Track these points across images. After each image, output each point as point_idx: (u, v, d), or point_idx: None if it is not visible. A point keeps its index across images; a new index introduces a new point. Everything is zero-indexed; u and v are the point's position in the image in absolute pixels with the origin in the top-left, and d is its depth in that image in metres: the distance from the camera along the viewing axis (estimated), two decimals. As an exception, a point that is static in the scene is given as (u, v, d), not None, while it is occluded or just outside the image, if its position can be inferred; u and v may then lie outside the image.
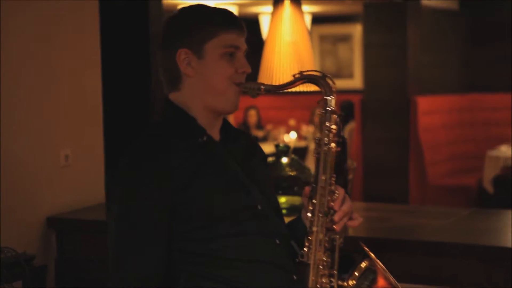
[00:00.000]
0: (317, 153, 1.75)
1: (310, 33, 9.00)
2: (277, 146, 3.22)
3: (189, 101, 1.78)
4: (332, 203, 1.72)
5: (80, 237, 3.09)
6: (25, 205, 2.98)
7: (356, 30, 9.15)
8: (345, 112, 7.32)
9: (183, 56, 1.75)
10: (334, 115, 1.74)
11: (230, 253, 1.70)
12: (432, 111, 7.29)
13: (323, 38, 9.41)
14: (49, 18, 3.08)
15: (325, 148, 1.74)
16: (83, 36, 3.27)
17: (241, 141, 1.88)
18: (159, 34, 1.82)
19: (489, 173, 6.95)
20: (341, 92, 3.50)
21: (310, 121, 8.39)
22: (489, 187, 6.91)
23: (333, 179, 1.75)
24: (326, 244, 1.71)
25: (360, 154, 7.28)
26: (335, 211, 1.71)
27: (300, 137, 8.02)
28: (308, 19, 8.28)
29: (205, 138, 1.77)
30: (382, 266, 1.75)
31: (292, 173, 3.21)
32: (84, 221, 3.11)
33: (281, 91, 1.81)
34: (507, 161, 6.90)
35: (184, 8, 1.82)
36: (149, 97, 3.99)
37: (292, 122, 8.43)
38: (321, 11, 8.58)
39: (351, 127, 7.63)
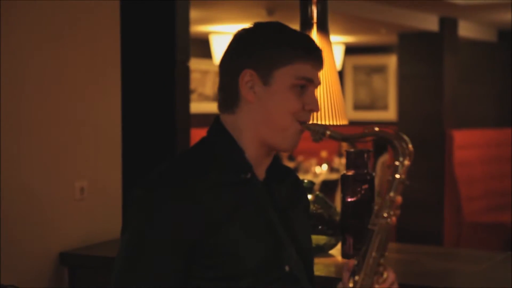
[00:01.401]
0: (373, 224, 1.51)
1: (343, 63, 8.91)
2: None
3: (242, 128, 1.56)
4: (377, 286, 1.50)
5: (94, 274, 2.96)
6: (37, 239, 2.86)
7: (391, 61, 9.00)
8: (379, 144, 7.16)
9: (247, 78, 1.54)
10: (403, 185, 1.51)
11: None
12: (468, 145, 7.09)
13: (357, 69, 9.28)
14: (61, 38, 2.98)
15: (384, 222, 1.50)
16: (102, 56, 3.15)
17: (288, 183, 1.66)
18: (228, 47, 1.60)
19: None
20: (376, 123, 3.36)
21: (339, 154, 8.23)
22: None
23: (383, 258, 1.51)
24: None
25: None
26: None
27: (331, 169, 7.87)
28: (341, 49, 8.17)
29: (249, 176, 1.54)
30: None
31: (317, 211, 3.05)
32: (98, 257, 2.97)
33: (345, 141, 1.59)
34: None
35: (260, 24, 1.61)
36: (174, 127, 3.89)
37: (323, 153, 8.27)
38: (355, 41, 8.46)
39: (384, 160, 7.45)
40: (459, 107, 7.18)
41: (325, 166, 7.75)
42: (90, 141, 3.09)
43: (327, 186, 6.94)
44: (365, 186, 2.86)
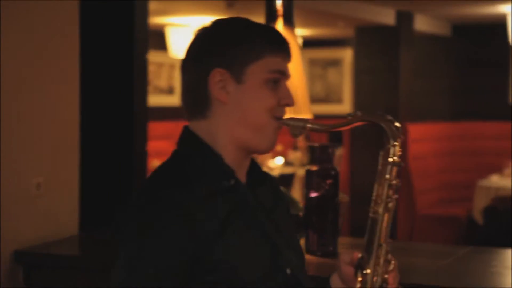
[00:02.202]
0: (374, 212, 1.44)
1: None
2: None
3: (217, 133, 1.47)
4: (385, 275, 1.44)
5: (50, 273, 2.87)
6: (-9, 237, 2.77)
7: (346, 55, 9.02)
8: (334, 138, 7.16)
9: (218, 77, 1.45)
10: (398, 167, 1.46)
11: None
12: (422, 139, 7.15)
13: (313, 62, 9.27)
14: (18, 32, 2.88)
15: (385, 208, 1.44)
16: (60, 50, 3.06)
17: (267, 185, 1.58)
18: (189, 48, 1.51)
19: (479, 203, 6.80)
20: (330, 117, 3.35)
21: (294, 147, 8.22)
22: (478, 218, 6.75)
23: (389, 245, 1.45)
24: None
25: (348, 182, 7.11)
26: (387, 284, 1.44)
27: (286, 163, 7.84)
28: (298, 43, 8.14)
29: (232, 182, 1.45)
30: None
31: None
32: (54, 255, 2.88)
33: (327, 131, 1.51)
34: (498, 191, 6.75)
35: (223, 20, 1.52)
36: (132, 120, 3.83)
37: (278, 147, 8.24)
38: (311, 34, 8.45)
39: (339, 154, 7.46)
40: (414, 100, 7.23)
41: (280, 160, 7.72)
42: (47, 136, 3.00)
43: (283, 180, 6.91)
44: (330, 181, 2.83)
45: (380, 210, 1.44)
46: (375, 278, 1.43)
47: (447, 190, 7.36)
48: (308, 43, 8.81)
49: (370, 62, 7.09)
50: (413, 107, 7.19)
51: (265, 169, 6.54)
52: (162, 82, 8.13)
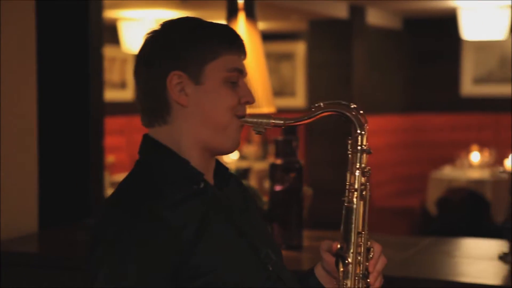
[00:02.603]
0: (349, 201, 1.45)
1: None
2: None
3: (180, 137, 1.44)
4: (366, 263, 1.44)
5: (9, 270, 2.80)
6: None
7: (299, 48, 9.04)
8: (288, 131, 7.17)
9: (175, 80, 1.41)
10: (366, 154, 1.46)
11: None
12: (376, 132, 7.21)
13: (266, 56, 9.24)
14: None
15: (359, 195, 1.45)
16: (16, 44, 3.00)
17: (233, 184, 1.55)
18: (141, 52, 1.47)
19: (433, 195, 6.90)
20: (284, 111, 3.33)
21: (248, 141, 8.20)
22: (432, 209, 6.85)
23: (367, 233, 1.45)
24: None
25: (304, 176, 7.13)
26: (369, 272, 1.44)
27: (241, 157, 7.82)
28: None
29: (202, 185, 1.42)
30: None
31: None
32: (13, 253, 2.81)
33: (294, 124, 1.48)
34: (451, 183, 6.86)
35: (174, 22, 1.47)
36: (88, 115, 3.77)
37: (233, 141, 8.22)
38: (264, 28, 8.44)
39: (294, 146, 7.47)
40: (367, 94, 7.28)
41: (234, 155, 7.71)
42: (5, 133, 2.93)
43: (238, 175, 6.89)
44: (294, 174, 2.83)
45: (355, 198, 1.45)
46: (357, 268, 1.43)
47: (401, 182, 7.45)
48: (261, 37, 8.80)
49: (324, 55, 7.11)
50: (367, 100, 7.24)
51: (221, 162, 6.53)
52: (115, 77, 8.02)
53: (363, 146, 1.46)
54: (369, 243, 1.46)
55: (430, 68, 8.17)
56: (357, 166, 1.46)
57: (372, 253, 1.46)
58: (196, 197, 1.41)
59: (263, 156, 7.72)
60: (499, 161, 6.94)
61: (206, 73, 1.43)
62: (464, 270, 2.60)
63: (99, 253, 1.36)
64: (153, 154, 1.46)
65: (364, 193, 1.45)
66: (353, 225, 1.44)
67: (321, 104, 1.47)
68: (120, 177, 6.97)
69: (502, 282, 2.49)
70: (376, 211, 7.06)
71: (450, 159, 7.19)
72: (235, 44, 1.47)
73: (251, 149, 7.87)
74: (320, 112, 1.46)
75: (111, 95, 7.60)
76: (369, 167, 1.47)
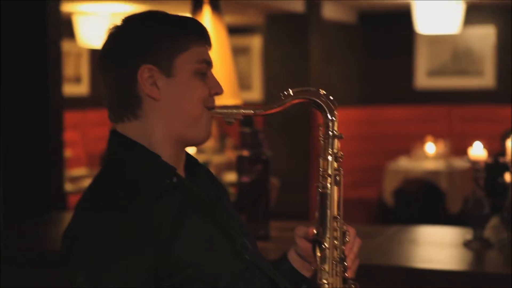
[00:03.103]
0: (323, 187, 1.46)
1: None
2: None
3: (152, 131, 1.43)
4: (343, 247, 1.46)
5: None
6: None
7: (254, 42, 9.06)
8: (245, 123, 7.18)
9: (146, 74, 1.41)
10: (338, 139, 1.48)
11: None
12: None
13: (221, 50, 9.27)
14: None
15: (333, 180, 1.46)
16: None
17: (204, 176, 1.55)
18: (107, 48, 1.45)
19: (389, 186, 6.99)
20: (239, 105, 3.35)
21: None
22: (389, 200, 6.95)
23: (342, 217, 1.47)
24: None
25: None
26: (345, 256, 1.46)
27: (199, 150, 7.81)
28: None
29: (175, 179, 1.41)
30: None
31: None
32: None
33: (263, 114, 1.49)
34: (407, 174, 6.96)
35: (140, 15, 1.47)
36: (47, 109, 3.74)
37: (191, 135, 8.20)
38: (219, 22, 8.42)
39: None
40: (324, 87, 7.30)
41: (192, 148, 7.69)
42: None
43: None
44: (261, 166, 2.85)
45: (328, 184, 1.46)
46: (334, 252, 1.45)
47: (358, 174, 7.52)
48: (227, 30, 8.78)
49: (280, 49, 7.13)
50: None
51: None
52: (69, 71, 7.93)
53: (334, 131, 1.48)
54: (344, 227, 1.48)
55: (385, 62, 8.27)
56: (330, 152, 1.47)
57: (347, 237, 1.48)
58: (170, 192, 1.40)
59: (221, 149, 7.72)
60: (453, 152, 7.07)
61: (177, 66, 1.43)
62: (431, 257, 2.65)
63: (77, 258, 1.34)
64: (124, 151, 1.44)
65: (338, 178, 1.47)
66: (328, 210, 1.46)
67: (291, 92, 1.48)
68: (75, 171, 6.90)
69: (468, 267, 2.56)
70: (334, 203, 7.13)
71: (406, 151, 7.29)
72: (203, 36, 1.47)
73: (208, 143, 7.86)
74: (290, 99, 1.47)
75: (65, 89, 7.50)
76: (341, 153, 1.49)
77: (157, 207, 1.36)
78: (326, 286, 1.44)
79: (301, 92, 1.50)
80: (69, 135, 7.14)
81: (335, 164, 1.47)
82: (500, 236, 2.76)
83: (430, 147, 7.08)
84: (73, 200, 6.19)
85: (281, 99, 1.48)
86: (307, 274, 1.56)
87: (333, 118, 1.49)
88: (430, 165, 6.94)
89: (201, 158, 6.42)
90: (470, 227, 2.73)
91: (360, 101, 8.20)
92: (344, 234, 1.48)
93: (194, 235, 1.38)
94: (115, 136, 1.46)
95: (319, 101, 1.49)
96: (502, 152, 3.23)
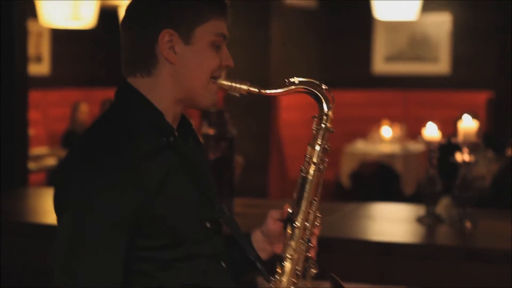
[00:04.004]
0: (306, 172, 1.58)
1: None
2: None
3: (161, 90, 1.53)
4: (314, 229, 1.58)
5: None
6: None
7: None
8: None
9: (167, 38, 1.51)
10: (330, 133, 1.59)
11: (189, 278, 1.51)
12: (292, 107, 7.40)
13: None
14: None
15: (316, 169, 1.58)
16: None
17: (192, 140, 1.64)
18: (135, 7, 1.54)
19: (346, 168, 7.16)
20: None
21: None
22: (345, 182, 7.12)
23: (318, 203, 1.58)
24: (299, 273, 1.56)
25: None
26: (312, 236, 1.58)
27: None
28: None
29: (172, 139, 1.51)
30: None
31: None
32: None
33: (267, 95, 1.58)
34: (364, 157, 7.13)
35: None
36: (13, 88, 3.78)
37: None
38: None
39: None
40: (285, 71, 7.45)
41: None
42: None
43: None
44: (226, 144, 2.96)
45: (311, 170, 1.58)
46: (303, 233, 1.56)
47: (316, 156, 7.67)
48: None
49: (241, 33, 7.22)
50: (284, 77, 7.40)
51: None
52: (30, 51, 7.89)
53: (327, 125, 1.60)
54: (318, 213, 1.59)
55: (344, 47, 8.41)
56: (319, 142, 1.59)
57: (317, 221, 1.60)
58: (165, 150, 1.51)
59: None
60: (409, 135, 7.27)
61: (196, 35, 1.52)
62: (387, 231, 2.80)
63: (68, 194, 1.45)
64: (130, 100, 1.54)
65: (321, 167, 1.59)
66: (306, 194, 1.58)
67: (295, 80, 1.58)
68: (37, 150, 6.91)
69: (421, 241, 2.71)
70: (292, 184, 7.26)
71: (363, 134, 7.46)
72: (224, 10, 1.57)
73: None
74: (294, 87, 1.58)
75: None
76: (329, 145, 1.60)
77: (152, 161, 1.47)
78: (289, 259, 1.55)
79: (305, 83, 1.59)
80: (30, 114, 7.14)
81: (322, 155, 1.59)
82: (450, 212, 2.93)
83: (386, 131, 7.26)
84: (34, 179, 6.21)
85: (285, 85, 1.59)
86: (265, 256, 1.67)
87: (329, 112, 1.60)
88: (386, 148, 7.12)
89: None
90: (423, 204, 2.88)
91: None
92: (316, 218, 1.59)
93: (176, 195, 1.50)
94: (126, 86, 1.56)
95: (319, 95, 1.59)
96: (455, 133, 3.39)
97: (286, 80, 1.60)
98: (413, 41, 8.18)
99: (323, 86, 1.61)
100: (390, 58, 8.28)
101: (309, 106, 6.81)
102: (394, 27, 8.13)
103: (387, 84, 8.14)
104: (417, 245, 2.60)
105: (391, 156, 7.03)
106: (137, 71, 1.55)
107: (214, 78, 1.57)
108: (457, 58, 7.90)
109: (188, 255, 1.51)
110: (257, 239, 1.68)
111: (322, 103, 1.60)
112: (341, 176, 7.18)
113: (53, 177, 6.13)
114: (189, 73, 1.53)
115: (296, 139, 7.50)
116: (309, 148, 1.60)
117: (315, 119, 1.61)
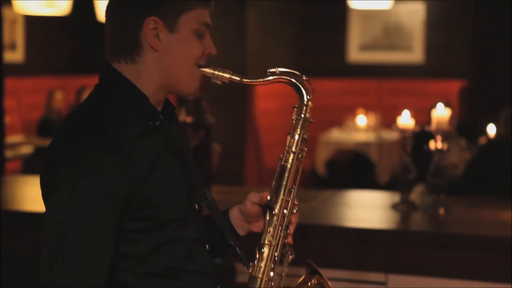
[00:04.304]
0: (286, 161, 1.61)
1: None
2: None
3: (145, 76, 1.55)
4: (290, 216, 1.62)
5: None
6: None
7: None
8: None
9: (152, 25, 1.53)
10: (309, 123, 1.62)
11: (170, 261, 1.54)
12: (268, 95, 7.43)
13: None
14: None
15: (295, 158, 1.61)
16: None
17: (175, 124, 1.67)
18: None
19: (322, 156, 7.21)
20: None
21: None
22: (321, 170, 7.17)
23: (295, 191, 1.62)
24: (277, 259, 1.60)
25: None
26: (289, 224, 1.62)
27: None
28: None
29: (157, 123, 1.54)
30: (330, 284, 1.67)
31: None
32: None
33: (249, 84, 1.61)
34: (339, 145, 7.19)
35: None
36: None
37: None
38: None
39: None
40: (260, 59, 7.47)
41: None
42: None
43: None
44: (203, 132, 2.98)
45: (290, 159, 1.61)
46: (281, 219, 1.61)
47: (291, 145, 7.73)
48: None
49: (217, 21, 7.21)
50: (260, 66, 7.44)
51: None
52: (4, 38, 7.83)
53: (306, 115, 1.62)
54: (296, 200, 1.63)
55: (319, 36, 8.45)
56: (298, 132, 1.62)
57: (296, 209, 1.64)
58: (152, 133, 1.54)
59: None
60: (383, 124, 7.34)
61: (180, 23, 1.55)
62: (363, 218, 2.85)
63: (56, 179, 1.45)
64: (117, 85, 1.56)
65: (300, 156, 1.62)
66: (284, 182, 1.61)
67: (277, 70, 1.61)
68: (11, 138, 6.88)
69: (396, 226, 2.77)
70: (268, 172, 7.31)
71: (338, 123, 7.52)
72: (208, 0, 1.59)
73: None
74: (275, 77, 1.61)
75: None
76: (308, 135, 1.63)
77: (140, 145, 1.49)
78: (267, 246, 1.59)
79: (286, 73, 1.62)
80: (5, 102, 7.10)
81: (301, 144, 1.62)
82: (424, 199, 2.98)
83: (361, 120, 7.32)
84: (9, 167, 6.19)
85: (266, 75, 1.62)
86: (242, 233, 1.71)
87: (308, 103, 1.62)
88: (361, 137, 7.18)
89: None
90: (398, 191, 2.94)
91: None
92: (294, 205, 1.63)
93: (164, 178, 1.52)
94: (110, 70, 1.57)
95: (300, 86, 1.62)
96: (429, 122, 3.45)
97: (267, 70, 1.62)
98: (387, 30, 8.24)
99: (304, 77, 1.63)
100: (364, 47, 8.33)
101: (286, 95, 6.87)
102: (368, 16, 8.19)
103: (362, 73, 8.20)
104: (392, 231, 2.65)
105: (366, 144, 7.09)
106: (122, 58, 1.57)
107: (197, 66, 1.59)
108: (431, 47, 7.98)
109: (173, 238, 1.54)
110: (235, 216, 1.71)
111: (302, 93, 1.63)
112: (317, 164, 7.23)
113: (37, 163, 6.07)
114: (173, 60, 1.55)
115: (272, 128, 7.54)
116: (288, 138, 1.63)
117: (295, 109, 1.64)
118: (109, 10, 1.59)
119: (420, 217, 2.85)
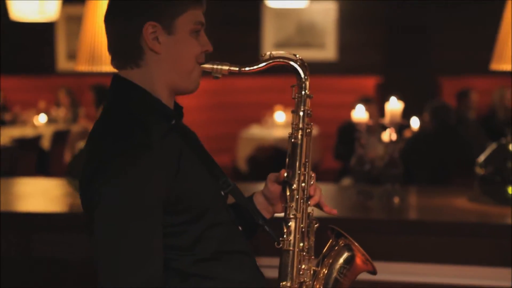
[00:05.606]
0: (295, 138, 1.69)
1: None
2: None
3: (152, 79, 1.62)
4: (308, 188, 1.68)
5: None
6: None
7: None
8: (99, 96, 7.14)
9: (151, 30, 1.59)
10: (310, 99, 1.70)
11: (215, 245, 1.61)
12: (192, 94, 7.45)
13: (70, 20, 9.09)
14: None
15: (303, 133, 1.68)
16: None
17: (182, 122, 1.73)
18: (118, 2, 1.62)
19: (243, 153, 7.29)
20: (101, 74, 3.35)
21: (57, 104, 8.05)
22: (242, 166, 7.25)
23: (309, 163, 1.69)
24: (303, 230, 1.67)
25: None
26: (311, 196, 1.69)
27: (50, 120, 7.66)
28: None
29: (174, 122, 1.62)
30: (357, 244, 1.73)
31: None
32: None
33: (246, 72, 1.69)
34: (259, 141, 7.29)
35: None
36: None
37: (41, 104, 8.04)
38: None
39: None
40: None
41: (43, 118, 7.54)
42: None
43: (58, 138, 6.79)
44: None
45: (299, 136, 1.69)
46: (301, 192, 1.68)
47: (212, 141, 7.77)
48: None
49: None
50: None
51: (30, 127, 6.38)
52: None
53: (306, 91, 1.71)
54: (310, 172, 1.70)
55: (235, 33, 8.53)
56: (302, 109, 1.70)
57: (312, 180, 1.71)
58: (172, 132, 1.60)
59: (74, 119, 7.64)
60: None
61: (177, 25, 1.62)
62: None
63: (102, 187, 1.50)
64: (130, 93, 1.62)
65: (308, 131, 1.70)
66: (297, 158, 1.69)
67: (270, 54, 1.69)
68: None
69: (353, 214, 2.87)
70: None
71: (257, 119, 7.62)
72: (200, 0, 1.67)
73: (60, 112, 7.74)
74: (271, 61, 1.70)
75: None
76: (311, 109, 1.71)
77: (166, 144, 1.56)
78: (293, 219, 1.66)
79: (280, 56, 1.70)
80: None
81: (306, 119, 1.70)
82: (379, 188, 3.11)
83: (280, 116, 7.45)
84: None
85: (262, 60, 1.70)
86: (267, 215, 1.80)
87: (306, 80, 1.72)
88: (280, 133, 7.31)
89: (56, 128, 6.27)
90: (353, 181, 3.05)
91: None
92: (310, 177, 1.70)
93: (191, 172, 1.59)
94: (119, 80, 1.64)
95: (295, 65, 1.71)
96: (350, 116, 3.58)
97: (261, 55, 1.70)
98: (300, 28, 8.43)
99: (298, 56, 1.72)
100: (278, 45, 8.49)
101: (204, 93, 6.94)
102: (282, 14, 8.34)
103: (279, 70, 8.28)
104: (350, 219, 2.77)
105: (285, 140, 7.18)
106: (127, 64, 1.63)
107: (199, 64, 1.67)
108: (343, 45, 8.21)
109: (212, 224, 1.61)
110: (260, 201, 1.79)
111: (299, 72, 1.72)
112: (238, 160, 7.31)
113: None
114: (175, 61, 1.63)
115: (191, 125, 7.52)
116: (293, 115, 1.71)
117: (294, 88, 1.72)
118: (107, 17, 1.65)
119: (375, 205, 2.97)
